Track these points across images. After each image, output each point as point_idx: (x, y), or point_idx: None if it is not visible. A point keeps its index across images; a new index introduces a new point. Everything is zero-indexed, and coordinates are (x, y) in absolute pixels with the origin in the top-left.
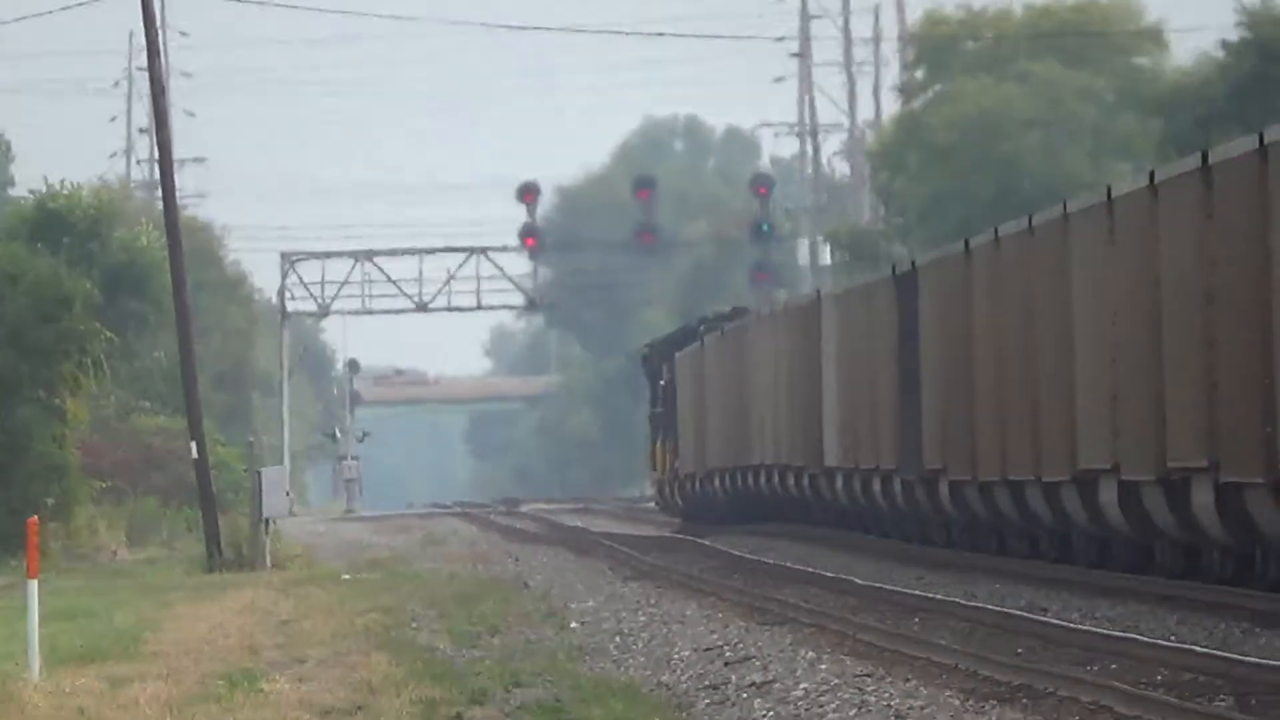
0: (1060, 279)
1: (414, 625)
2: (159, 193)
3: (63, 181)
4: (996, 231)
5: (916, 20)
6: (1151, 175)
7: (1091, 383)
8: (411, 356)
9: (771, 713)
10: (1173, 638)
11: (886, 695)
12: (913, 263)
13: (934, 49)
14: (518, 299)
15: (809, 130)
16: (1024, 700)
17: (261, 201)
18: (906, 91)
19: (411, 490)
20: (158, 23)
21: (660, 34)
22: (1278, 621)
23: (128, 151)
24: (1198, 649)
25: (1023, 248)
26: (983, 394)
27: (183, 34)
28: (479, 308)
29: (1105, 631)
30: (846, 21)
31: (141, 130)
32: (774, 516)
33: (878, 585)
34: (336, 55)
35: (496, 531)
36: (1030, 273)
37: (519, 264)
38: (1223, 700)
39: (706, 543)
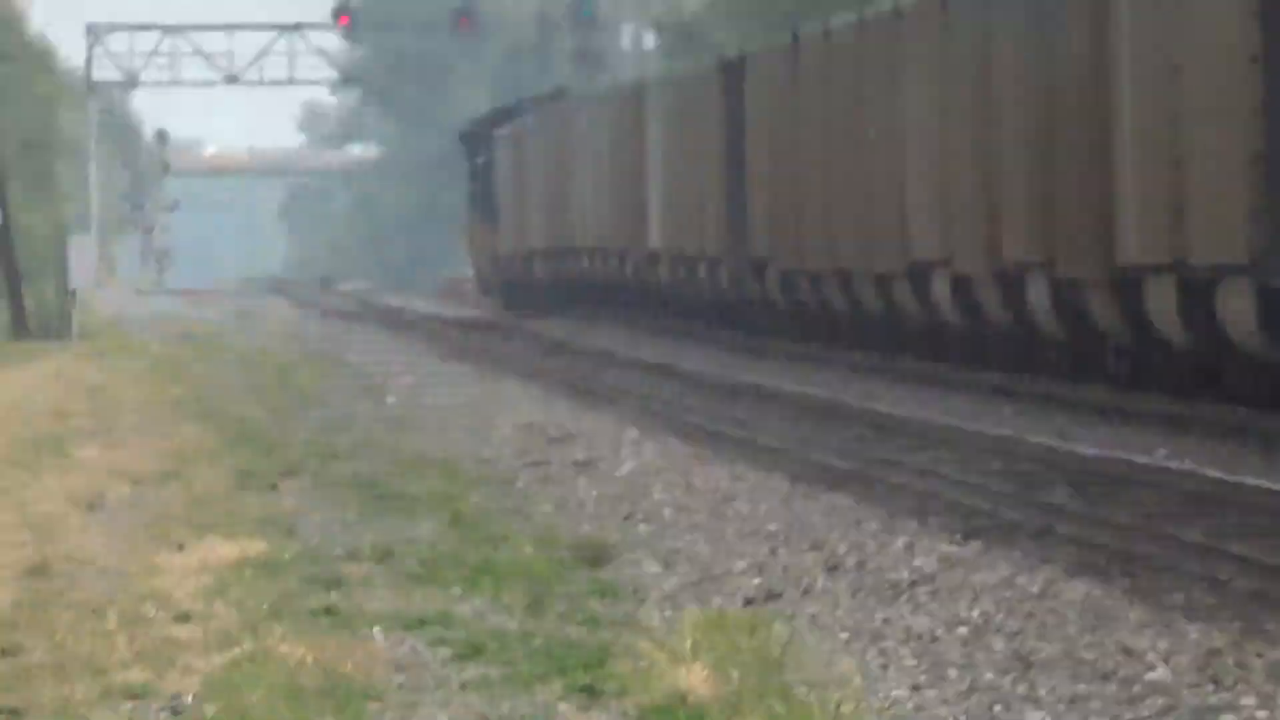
0: (892, 75)
1: (227, 396)
2: None
3: None
4: (825, 26)
5: None
6: None
7: (923, 176)
8: (223, 132)
9: (596, 492)
10: (1009, 428)
11: (714, 478)
12: (741, 54)
13: None
14: (330, 74)
15: None
16: (855, 486)
17: None
18: None
19: (224, 265)
20: None
21: None
22: (1117, 415)
23: None
24: (1032, 440)
25: (854, 42)
26: (811, 186)
27: None
28: (290, 82)
29: (934, 418)
30: None
31: None
32: (597, 301)
33: (705, 370)
34: None
35: (313, 310)
36: (861, 68)
37: (333, 42)
38: (1061, 489)
39: (530, 325)
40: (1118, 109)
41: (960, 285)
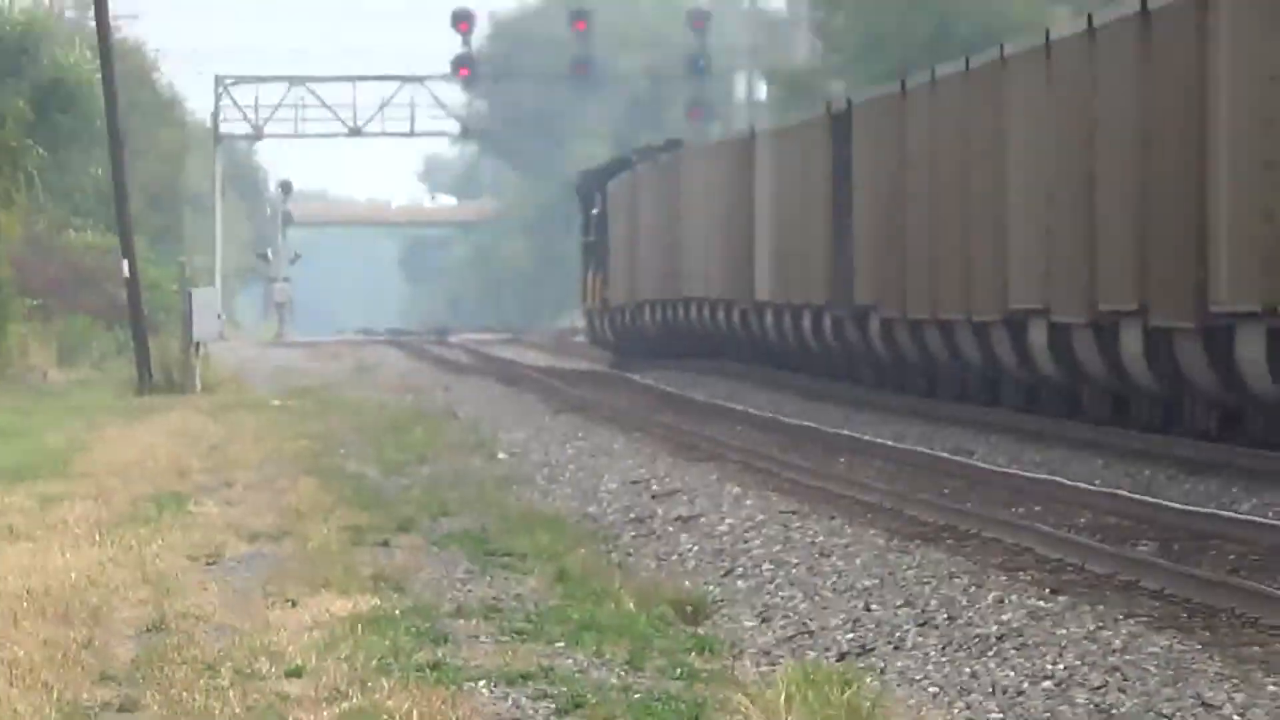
0: (996, 121)
1: (343, 452)
2: (91, 12)
3: None
4: (933, 72)
5: None
6: (1090, 19)
7: (1024, 224)
8: (345, 183)
9: (696, 546)
10: (1098, 481)
11: (811, 532)
12: (848, 101)
13: None
14: (452, 126)
15: None
16: (948, 540)
17: (196, 24)
18: None
19: (343, 316)
20: None
21: None
22: (1207, 469)
23: None
24: (1121, 493)
25: (959, 90)
26: (914, 233)
27: None
28: (412, 133)
29: (1030, 475)
30: None
31: None
32: (705, 351)
33: (805, 424)
34: None
35: (428, 361)
36: (966, 115)
37: (453, 94)
38: (1145, 545)
39: (636, 378)
40: (1215, 155)
41: (1058, 332)
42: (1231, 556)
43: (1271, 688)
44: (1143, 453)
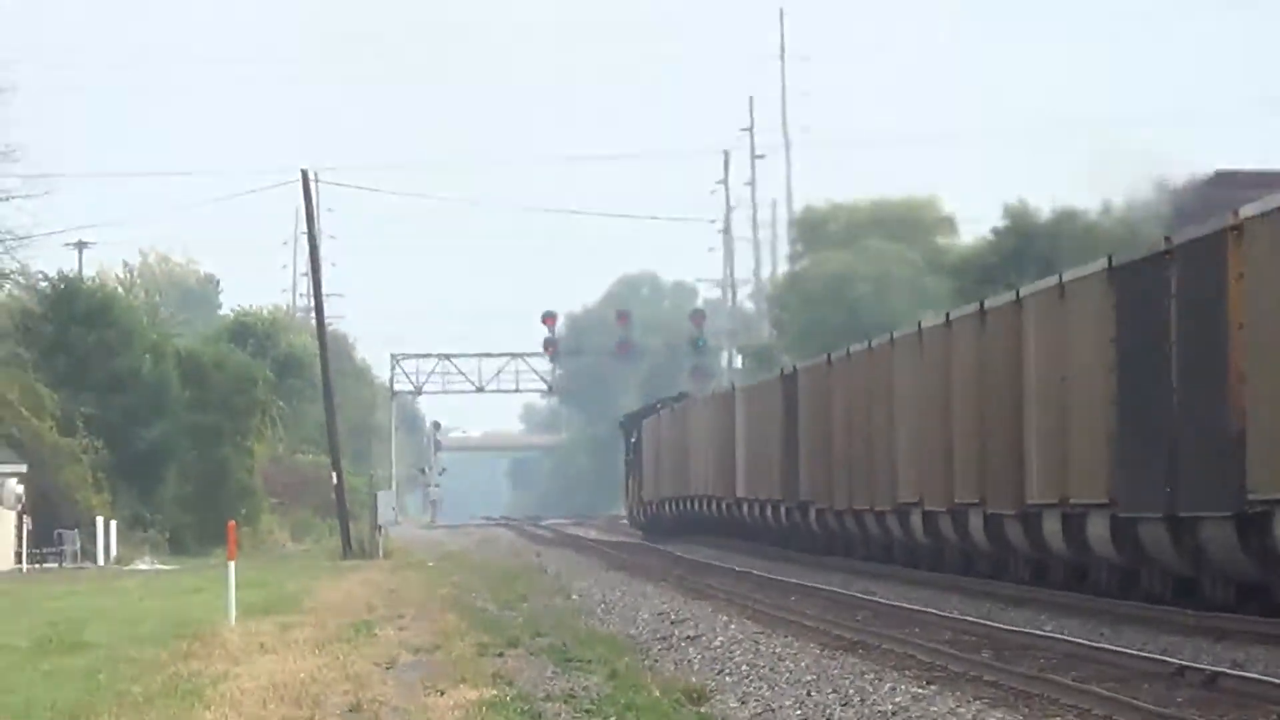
0: (887, 379)
1: (474, 595)
2: (312, 314)
3: (251, 305)
4: (848, 349)
5: (799, 210)
6: (947, 315)
7: (906, 445)
8: (474, 422)
9: (700, 655)
10: (955, 611)
11: (773, 645)
12: (794, 367)
13: (809, 229)
14: (541, 385)
15: (729, 282)
16: (860, 650)
17: (379, 319)
18: (792, 257)
19: (472, 509)
20: (314, 205)
21: (627, 215)
22: (1025, 603)
23: (293, 287)
24: (970, 619)
25: (864, 359)
26: (837, 452)
27: (329, 210)
28: (517, 389)
29: (913, 607)
30: (754, 212)
31: (302, 274)
32: (704, 530)
33: (769, 575)
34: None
35: (526, 537)
36: (869, 375)
37: (543, 364)
38: (986, 653)
39: (659, 547)
40: (1027, 400)
41: (928, 517)
42: (1040, 660)
43: None
44: (983, 592)
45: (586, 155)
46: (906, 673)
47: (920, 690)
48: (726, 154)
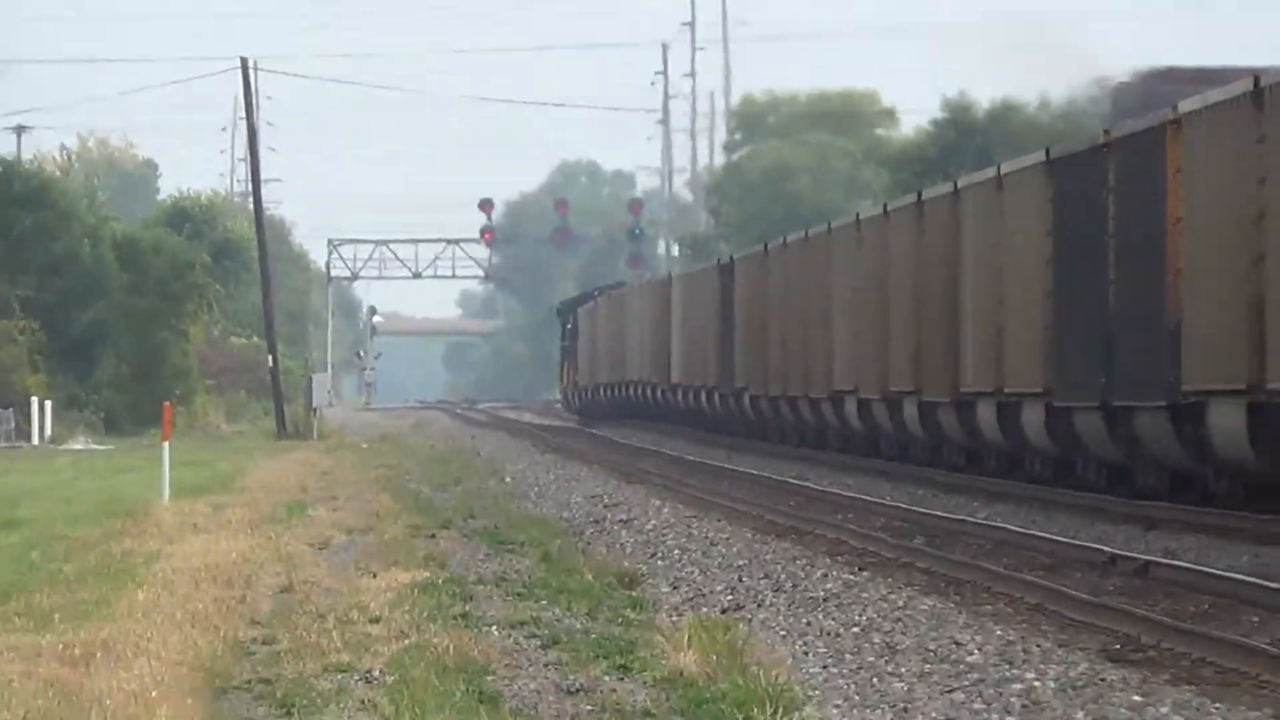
0: (825, 270)
1: (407, 477)
2: (250, 199)
3: (188, 190)
4: (784, 239)
5: (737, 101)
6: (885, 206)
7: (843, 334)
8: (410, 307)
9: (632, 539)
10: (888, 498)
11: (705, 529)
12: (731, 257)
13: (748, 120)
14: (478, 272)
15: (668, 171)
16: (792, 535)
17: (316, 205)
18: (729, 148)
19: (408, 393)
20: (253, 92)
21: (566, 105)
22: (958, 490)
23: (230, 173)
24: (902, 505)
25: (801, 249)
26: (772, 341)
27: (269, 98)
28: (454, 276)
29: (846, 493)
30: (694, 103)
31: (240, 159)
32: (639, 415)
33: (702, 460)
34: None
35: (461, 420)
36: (805, 266)
37: (479, 250)
38: (918, 539)
39: (594, 432)
40: (963, 291)
41: (863, 404)
42: (973, 547)
43: (998, 632)
44: (917, 479)
45: (528, 46)
46: (839, 559)
47: (852, 576)
48: (665, 46)
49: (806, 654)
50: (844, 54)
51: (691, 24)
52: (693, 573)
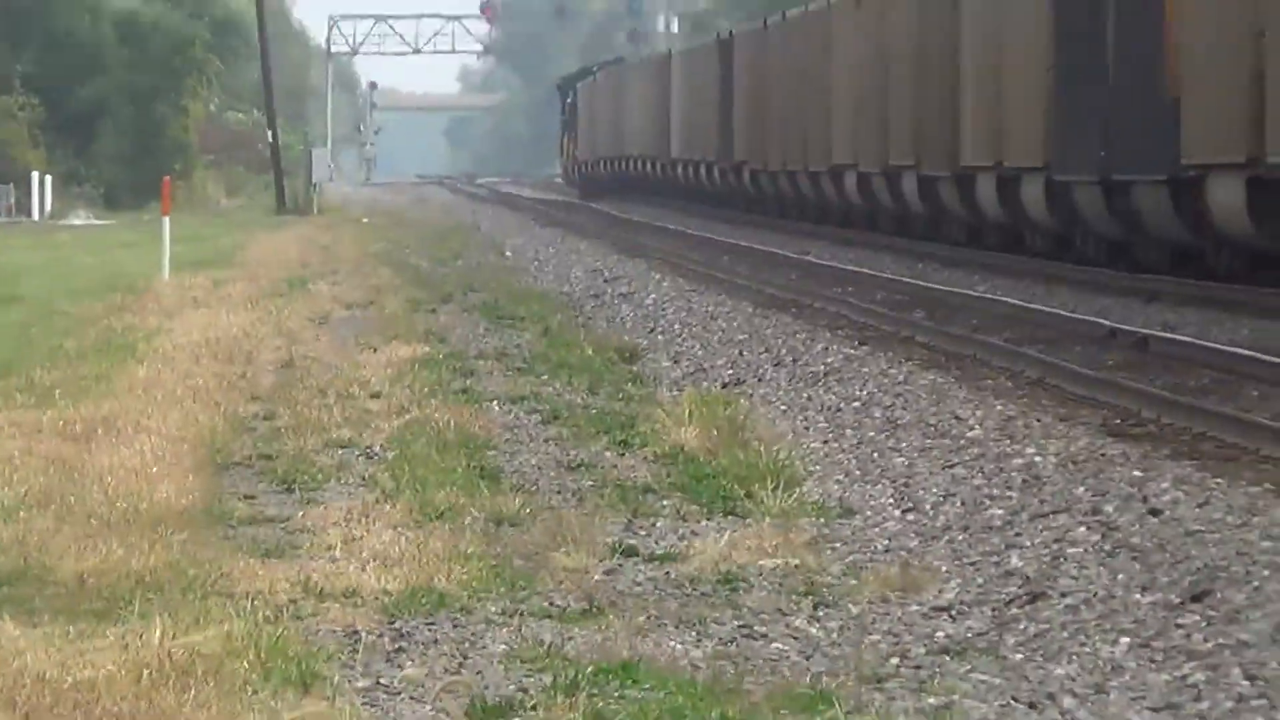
0: (825, 46)
1: (407, 251)
2: None
3: None
4: (784, 14)
5: None
6: None
7: (842, 109)
8: (410, 82)
9: (632, 313)
10: (888, 272)
11: (706, 303)
12: (730, 33)
13: None
14: (478, 47)
15: None
16: (793, 309)
17: None
18: None
19: (407, 167)
20: None
21: None
22: (959, 265)
23: None
24: (903, 279)
25: (801, 24)
26: (771, 115)
27: None
28: (454, 51)
29: (845, 267)
30: None
31: None
32: (639, 189)
33: (702, 235)
34: None
35: (461, 195)
36: (805, 42)
37: (480, 26)
38: (919, 312)
39: (594, 206)
40: (964, 64)
41: (862, 178)
42: (973, 321)
43: (999, 407)
44: (917, 253)
45: None
46: (839, 332)
47: (852, 350)
48: None
49: (807, 429)
50: None
51: None
52: (693, 347)
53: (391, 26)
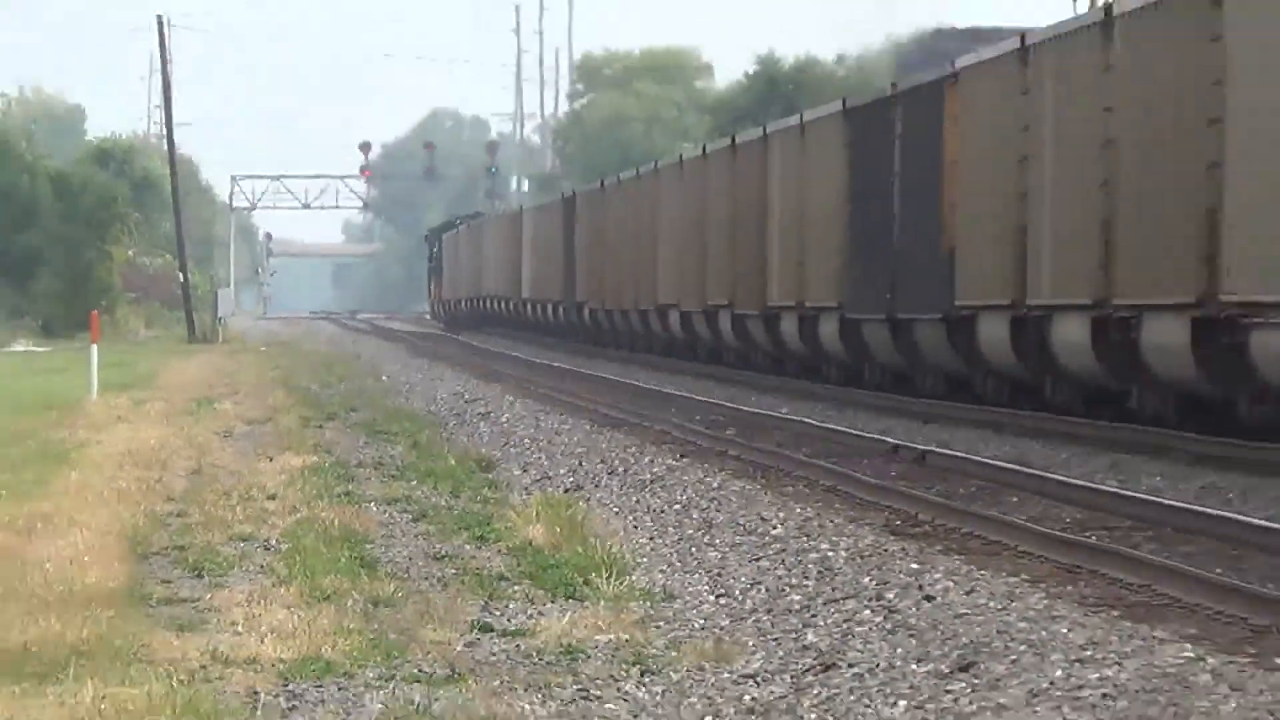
0: (653, 204)
1: (298, 376)
2: (165, 141)
3: (112, 133)
4: (619, 177)
5: (579, 56)
6: (704, 148)
7: (670, 258)
8: (302, 233)
9: (489, 429)
10: (708, 397)
11: (551, 421)
12: (574, 192)
13: (588, 73)
14: (358, 203)
15: (519, 118)
16: (625, 428)
17: (223, 146)
18: (572, 97)
19: (299, 305)
20: (167, 48)
21: (432, 58)
22: (765, 390)
23: (148, 117)
24: (719, 402)
25: (633, 185)
26: (609, 262)
27: (181, 49)
28: (337, 207)
29: (670, 390)
30: (540, 57)
31: (156, 106)
32: (496, 324)
33: (549, 363)
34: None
35: (345, 328)
36: (637, 199)
37: (360, 185)
38: (731, 430)
39: (458, 338)
40: (771, 220)
41: (684, 316)
42: (777, 438)
43: (798, 509)
44: (730, 379)
45: (399, 6)
46: (664, 446)
47: (674, 462)
48: (517, 7)
49: (636, 527)
50: (672, 11)
51: None
52: (540, 458)
53: (285, 185)
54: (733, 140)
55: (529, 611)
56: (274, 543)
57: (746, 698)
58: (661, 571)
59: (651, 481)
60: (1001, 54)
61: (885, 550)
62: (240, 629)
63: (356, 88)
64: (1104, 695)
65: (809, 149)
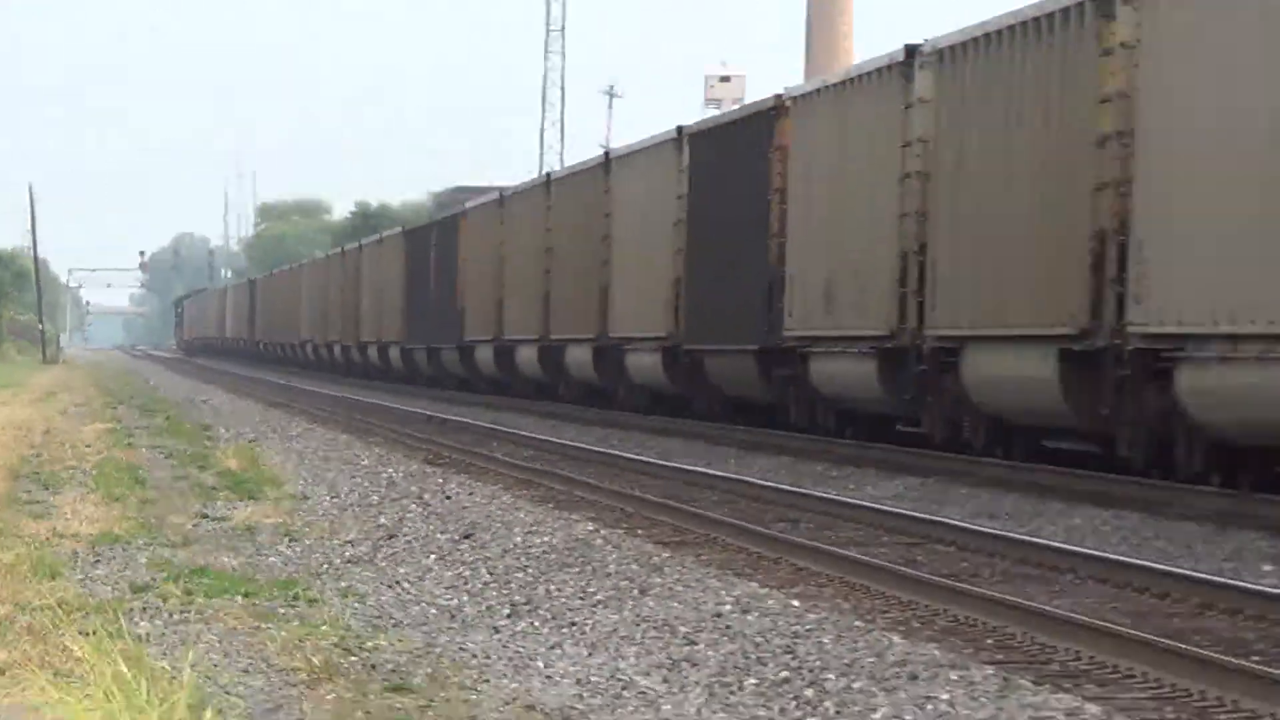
0: (297, 284)
1: (104, 381)
2: (31, 252)
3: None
4: (272, 270)
5: (261, 201)
6: (342, 249)
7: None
8: (109, 300)
9: (211, 410)
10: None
11: (245, 405)
12: (255, 279)
13: (267, 212)
14: (137, 283)
15: (226, 237)
16: (283, 407)
17: (63, 250)
18: (257, 224)
19: (106, 342)
20: (34, 215)
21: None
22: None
23: (22, 236)
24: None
25: (285, 275)
26: (273, 315)
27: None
28: (126, 286)
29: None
30: (238, 202)
31: (27, 230)
32: (225, 354)
33: (243, 375)
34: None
35: (131, 356)
36: (288, 283)
37: (139, 274)
38: (357, 415)
39: (197, 361)
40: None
41: (310, 344)
42: (373, 414)
43: (379, 451)
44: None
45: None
46: (303, 417)
47: (309, 425)
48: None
49: (285, 461)
50: (310, 173)
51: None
52: (237, 423)
53: (97, 274)
54: (342, 250)
55: (229, 507)
56: (88, 470)
57: (347, 553)
58: (301, 483)
59: (297, 436)
60: (488, 200)
61: (425, 473)
62: (68, 517)
63: (144, 215)
64: (544, 551)
65: (383, 255)
